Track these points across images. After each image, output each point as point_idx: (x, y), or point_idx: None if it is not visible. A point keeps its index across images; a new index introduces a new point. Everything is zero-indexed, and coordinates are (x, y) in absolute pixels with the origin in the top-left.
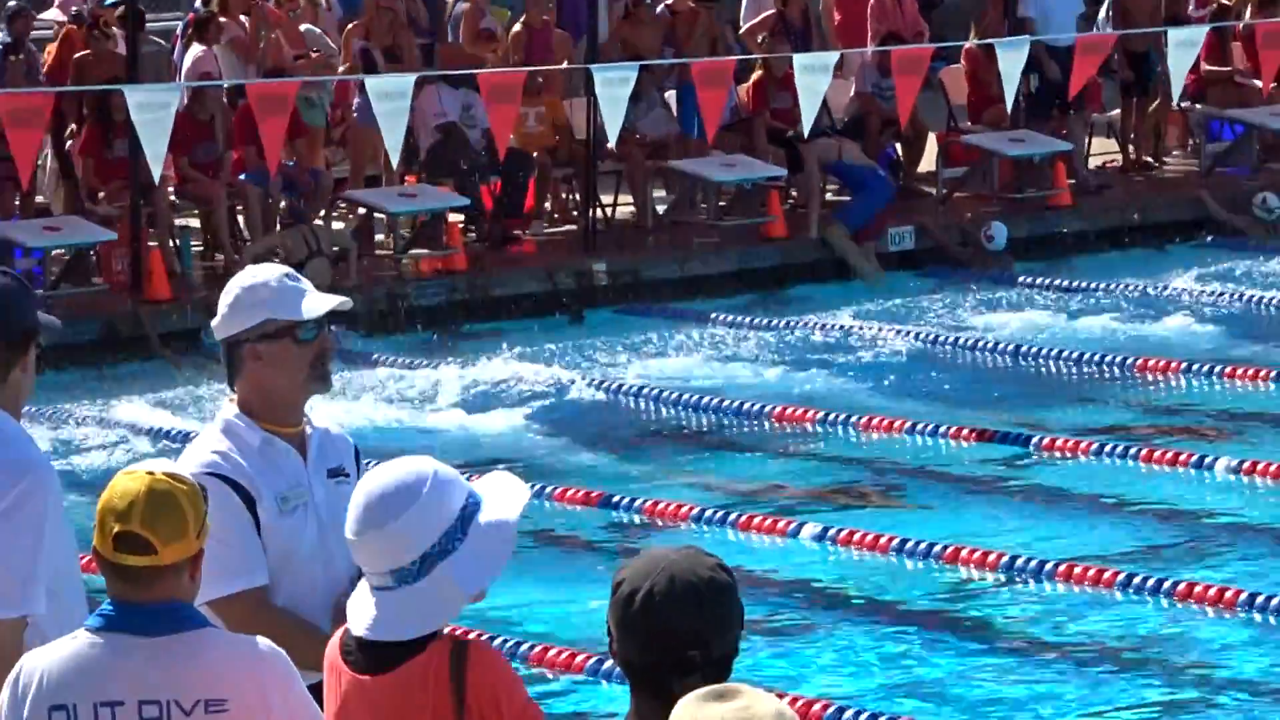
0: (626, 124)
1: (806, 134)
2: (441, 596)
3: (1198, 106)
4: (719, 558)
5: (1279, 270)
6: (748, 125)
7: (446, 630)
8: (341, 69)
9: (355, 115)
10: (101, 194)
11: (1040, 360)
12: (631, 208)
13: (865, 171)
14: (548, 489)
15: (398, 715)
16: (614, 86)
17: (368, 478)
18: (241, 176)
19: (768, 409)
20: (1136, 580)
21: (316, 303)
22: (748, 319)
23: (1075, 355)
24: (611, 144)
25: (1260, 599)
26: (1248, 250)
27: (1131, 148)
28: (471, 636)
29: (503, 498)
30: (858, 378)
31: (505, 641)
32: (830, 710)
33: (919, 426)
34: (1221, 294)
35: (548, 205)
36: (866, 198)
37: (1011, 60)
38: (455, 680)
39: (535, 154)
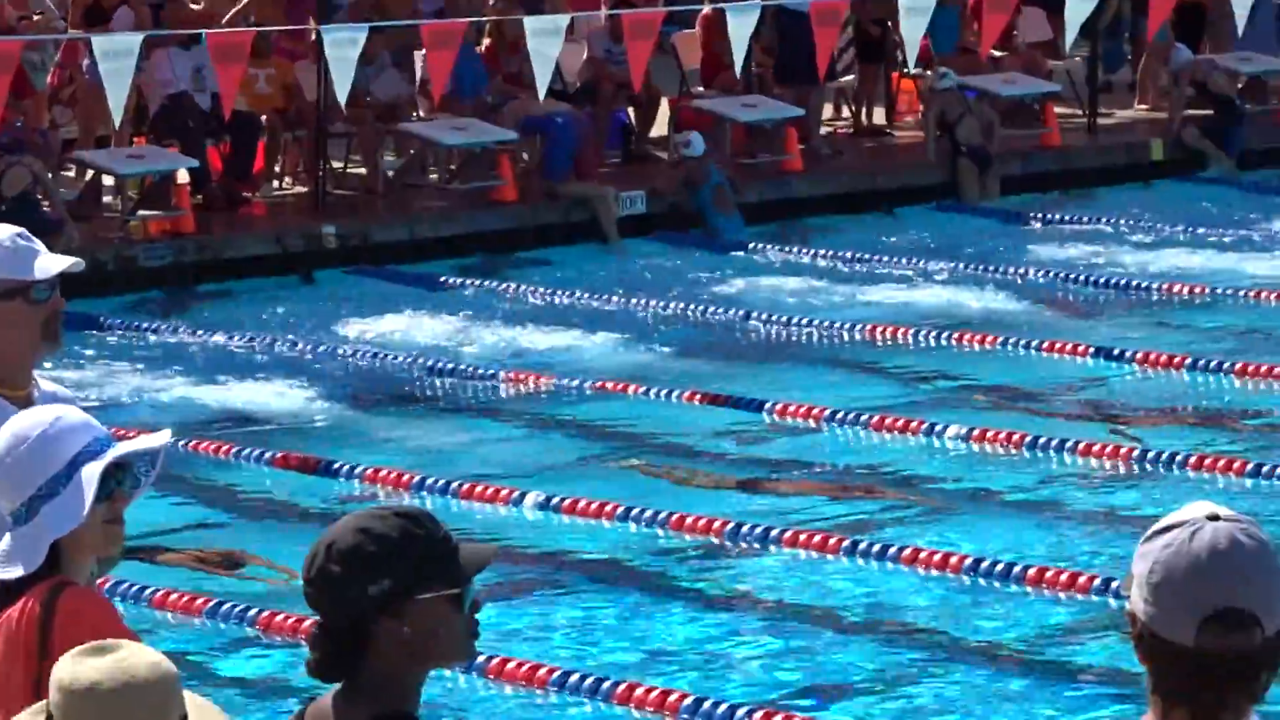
0: (358, 86)
1: (542, 98)
2: (38, 539)
3: (928, 73)
4: (417, 512)
5: (1006, 235)
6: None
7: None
8: (67, 30)
9: (86, 76)
10: None
11: (772, 326)
12: (362, 170)
13: (545, 120)
14: (266, 455)
15: (2, 657)
16: (343, 48)
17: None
18: None
19: (498, 373)
20: (862, 546)
21: (50, 263)
22: (478, 282)
23: (806, 321)
24: (342, 106)
25: (985, 563)
26: (978, 214)
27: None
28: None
29: (138, 442)
30: (589, 342)
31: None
32: (556, 674)
33: (651, 392)
34: (952, 260)
35: (278, 167)
36: (554, 143)
37: (742, 25)
38: (43, 622)
39: (265, 116)
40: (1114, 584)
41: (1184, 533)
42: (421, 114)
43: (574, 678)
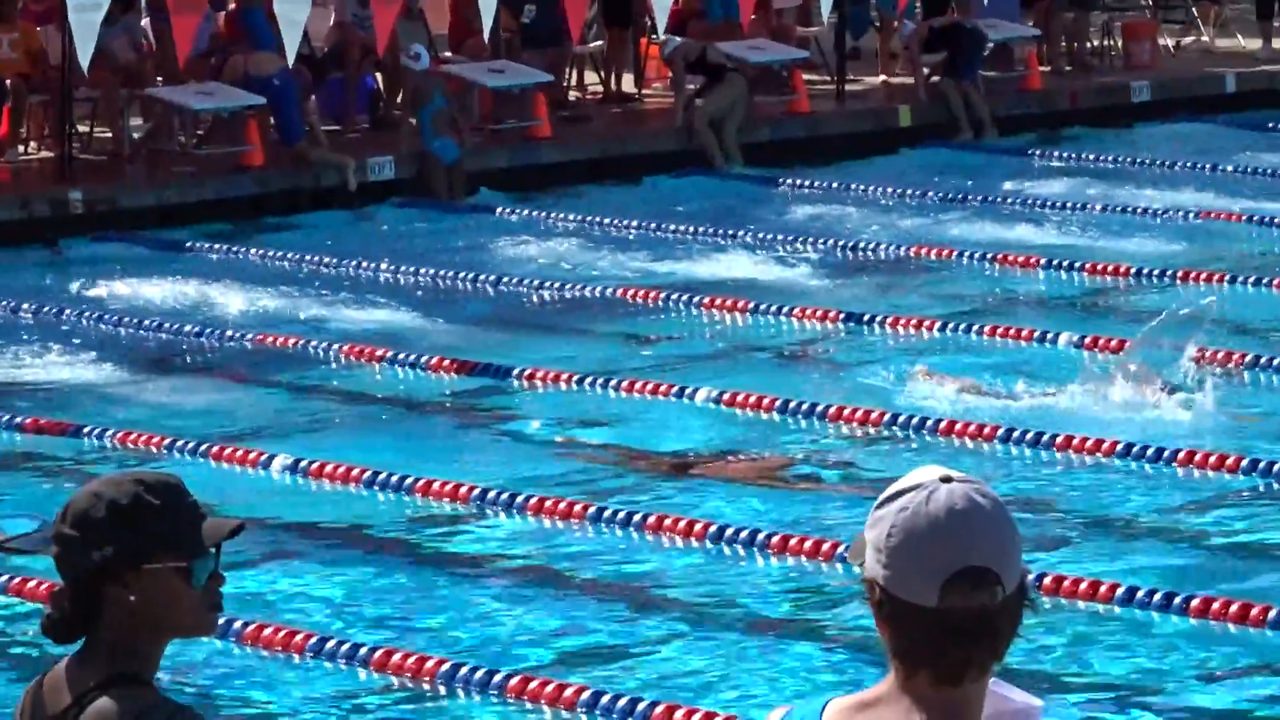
0: (102, 50)
1: (291, 63)
2: None
3: (677, 39)
4: (160, 480)
5: (756, 201)
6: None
7: None
8: None
9: None
10: None
11: (520, 291)
12: (110, 135)
13: (264, 82)
14: (16, 420)
15: None
16: (85, 11)
17: None
18: None
19: (247, 336)
20: (607, 513)
21: None
22: (226, 247)
23: (555, 285)
24: (84, 70)
25: (729, 530)
26: (729, 180)
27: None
28: None
29: None
30: (337, 306)
31: None
32: (313, 640)
33: (400, 356)
34: (702, 225)
35: (24, 132)
36: (284, 111)
37: None
38: None
39: (9, 80)
40: None
41: (919, 495)
42: (161, 79)
43: (330, 644)
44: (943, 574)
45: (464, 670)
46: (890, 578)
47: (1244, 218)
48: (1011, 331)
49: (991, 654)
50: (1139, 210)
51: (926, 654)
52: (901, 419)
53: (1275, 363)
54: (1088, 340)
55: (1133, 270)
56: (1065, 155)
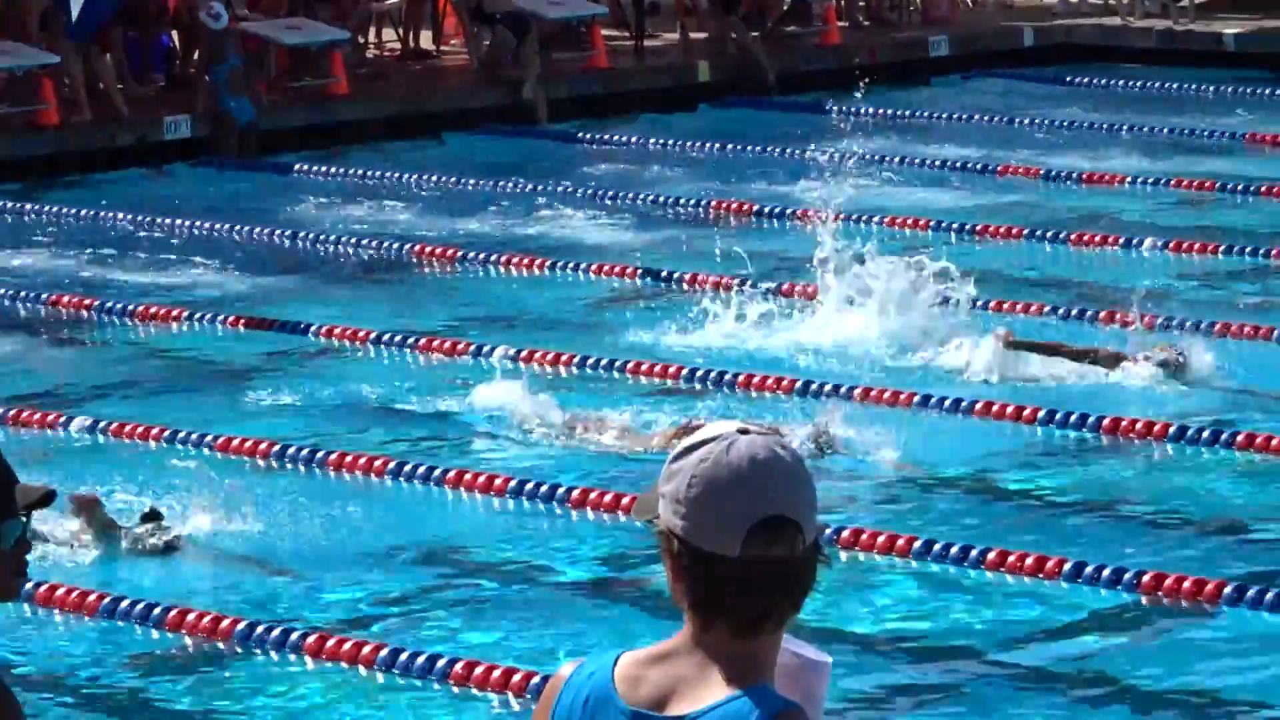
0: None
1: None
2: None
3: None
4: None
5: (556, 157)
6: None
7: None
8: None
9: None
10: None
11: (318, 248)
12: None
13: None
14: None
15: None
16: None
17: None
18: None
19: (42, 296)
20: (407, 468)
21: None
22: (19, 206)
23: (355, 243)
24: None
25: (530, 485)
26: (529, 137)
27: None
28: None
29: None
30: (134, 266)
31: None
32: (105, 601)
33: (196, 315)
34: (497, 182)
35: None
36: None
37: None
38: None
39: None
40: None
41: (718, 447)
42: None
43: (124, 604)
44: (745, 523)
45: (260, 629)
46: (690, 528)
47: (1040, 172)
48: (810, 289)
49: (790, 605)
50: (937, 164)
51: (725, 604)
52: (699, 373)
53: (1068, 312)
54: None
55: (931, 224)
56: (864, 111)
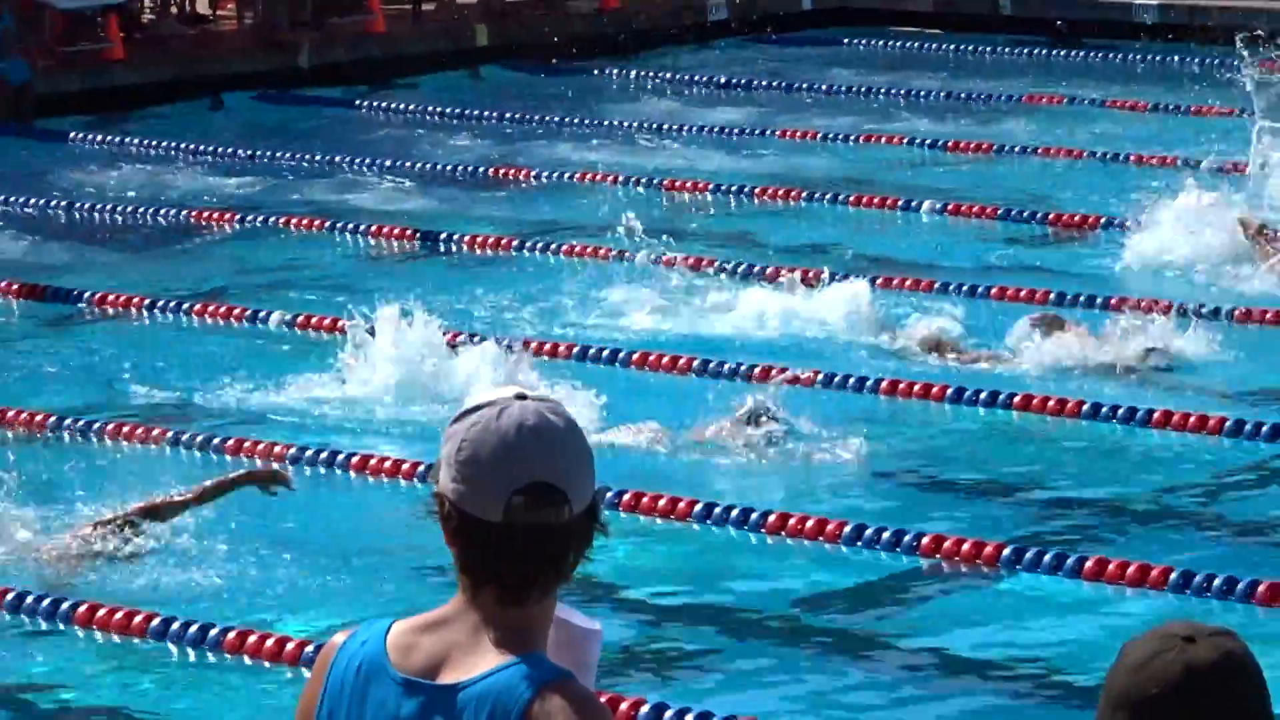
0: None
1: None
2: None
3: None
4: None
5: (334, 123)
6: None
7: None
8: None
9: None
10: None
11: (94, 215)
12: None
13: None
14: None
15: None
16: None
17: None
18: None
19: None
20: (185, 437)
21: None
22: None
23: (130, 209)
24: None
25: (310, 452)
26: (304, 103)
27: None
28: None
29: None
30: None
31: None
32: None
33: None
34: (275, 147)
35: None
36: None
37: None
38: None
39: None
40: None
41: (492, 412)
42: None
43: None
44: (508, 488)
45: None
46: (459, 492)
47: (818, 135)
48: (589, 249)
49: (556, 573)
50: (716, 128)
51: (491, 570)
52: (477, 339)
53: (846, 276)
54: (665, 258)
55: (710, 186)
56: (642, 74)
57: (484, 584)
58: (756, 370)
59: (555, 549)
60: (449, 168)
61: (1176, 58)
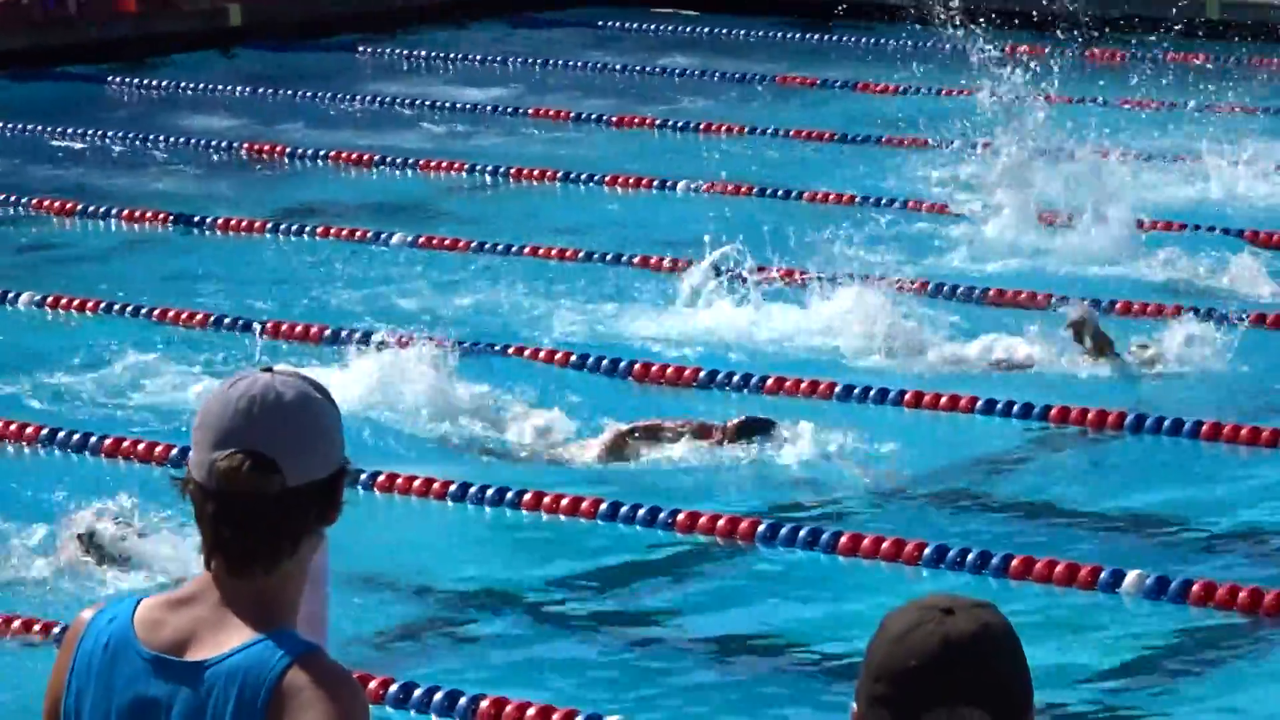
0: None
1: None
2: None
3: None
4: None
5: (80, 99)
6: None
7: None
8: None
9: None
10: None
11: None
12: None
13: None
14: None
15: None
16: None
17: None
18: None
19: None
20: None
21: None
22: None
23: None
24: None
25: (45, 430)
26: (57, 78)
27: None
28: None
29: None
30: None
31: None
32: None
33: None
34: (24, 125)
35: None
36: None
37: None
38: None
39: None
40: None
41: (229, 382)
42: None
43: None
44: (215, 454)
45: None
46: (190, 459)
47: (571, 115)
48: (344, 231)
49: (276, 545)
50: (469, 107)
51: (216, 539)
52: (227, 321)
53: (603, 256)
54: (421, 239)
55: (466, 166)
56: (397, 53)
57: (213, 554)
58: (511, 350)
59: (271, 520)
60: (203, 147)
61: (929, 41)
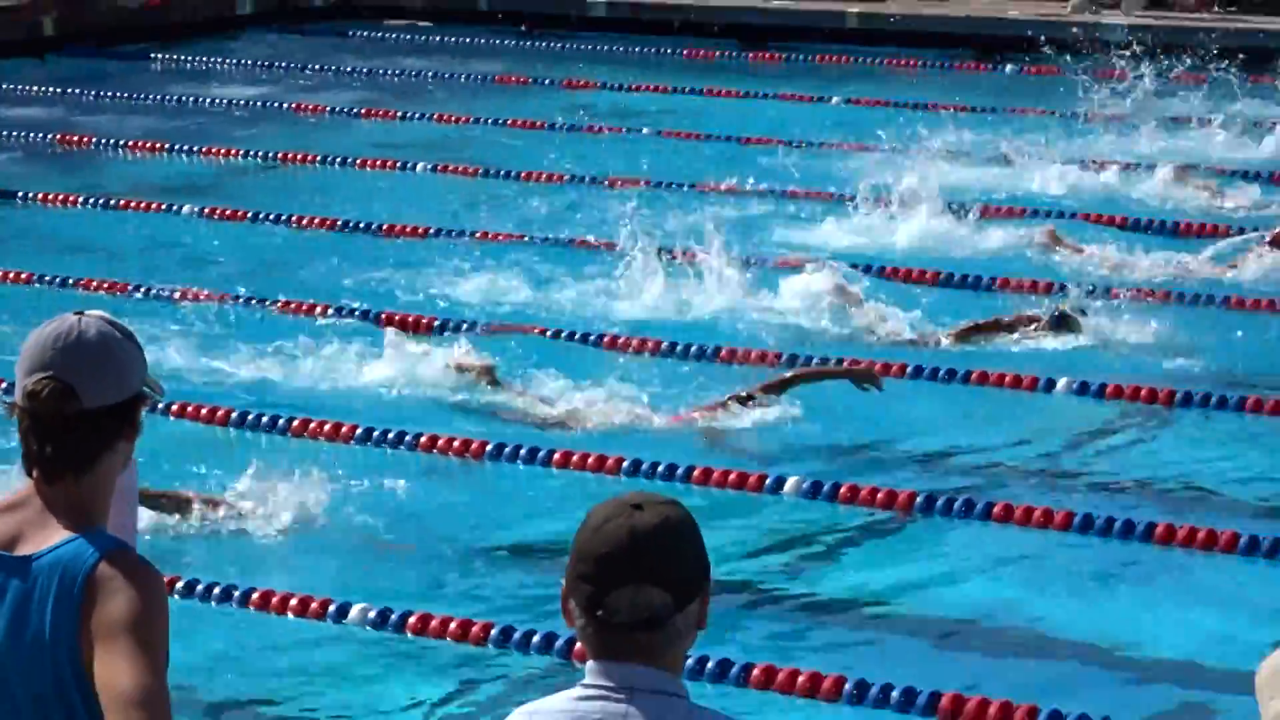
0: None
1: None
2: None
3: None
4: None
5: None
6: None
7: None
8: None
9: None
10: None
11: None
12: None
13: None
14: None
15: None
16: None
17: None
18: None
19: None
20: None
21: None
22: None
23: None
24: None
25: None
26: None
27: None
28: None
29: None
30: None
31: None
32: None
33: None
34: None
35: None
36: None
37: None
38: None
39: None
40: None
41: (46, 323)
42: None
43: None
44: (26, 379)
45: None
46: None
47: (328, 109)
48: (143, 204)
49: (80, 457)
50: (242, 103)
51: (34, 452)
52: (46, 279)
53: (353, 225)
54: (206, 210)
55: (241, 153)
56: (179, 59)
57: (31, 464)
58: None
59: (75, 436)
60: (22, 135)
61: (619, 47)
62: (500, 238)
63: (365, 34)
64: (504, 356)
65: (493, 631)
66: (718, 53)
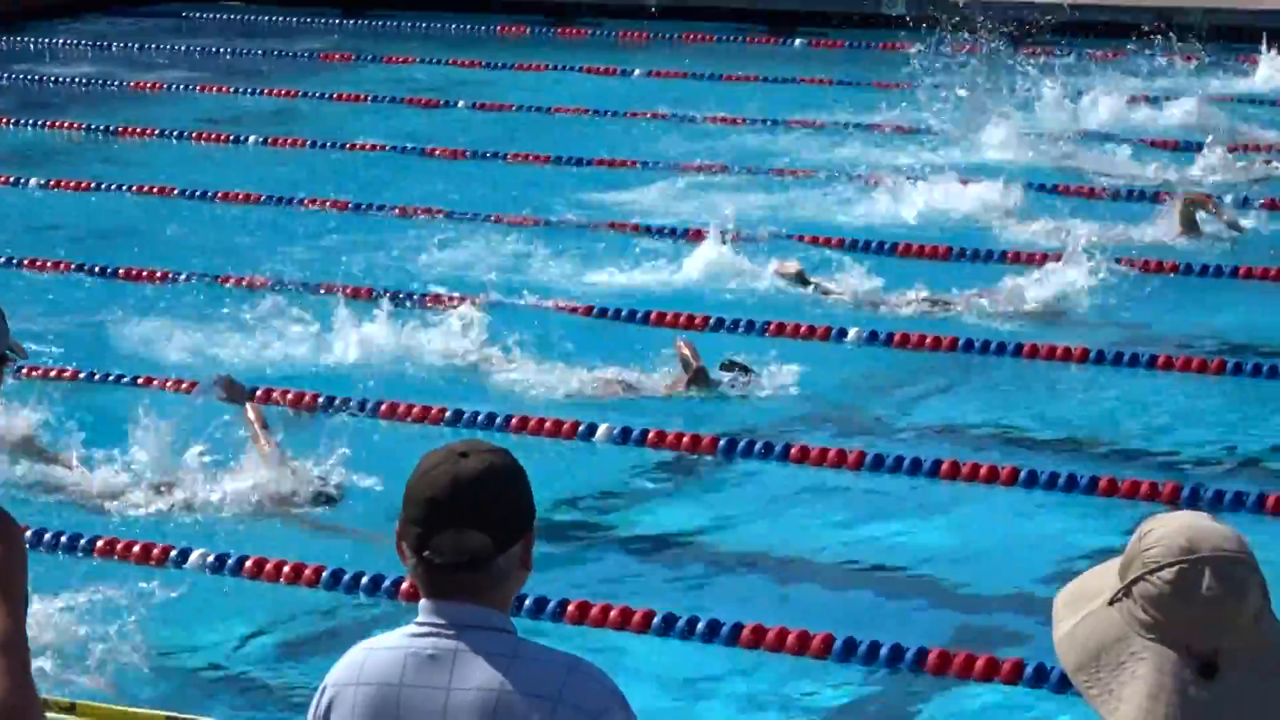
0: None
1: None
2: None
3: None
4: None
5: None
6: None
7: None
8: None
9: None
10: None
11: None
12: None
13: None
14: None
15: None
16: None
17: None
18: None
19: None
20: None
21: None
22: None
23: None
24: None
25: None
26: None
27: None
28: None
29: None
30: None
31: None
32: None
33: None
34: None
35: None
36: None
37: None
38: None
39: None
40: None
41: None
42: None
43: None
44: None
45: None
46: None
47: (161, 85)
48: (59, 183)
49: None
50: (81, 81)
51: None
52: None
53: (276, 199)
54: (51, 183)
55: (83, 126)
56: (24, 40)
57: None
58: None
59: None
60: None
61: (472, 25)
62: (328, 205)
63: (199, 15)
64: (333, 317)
65: (324, 575)
66: (528, 29)
